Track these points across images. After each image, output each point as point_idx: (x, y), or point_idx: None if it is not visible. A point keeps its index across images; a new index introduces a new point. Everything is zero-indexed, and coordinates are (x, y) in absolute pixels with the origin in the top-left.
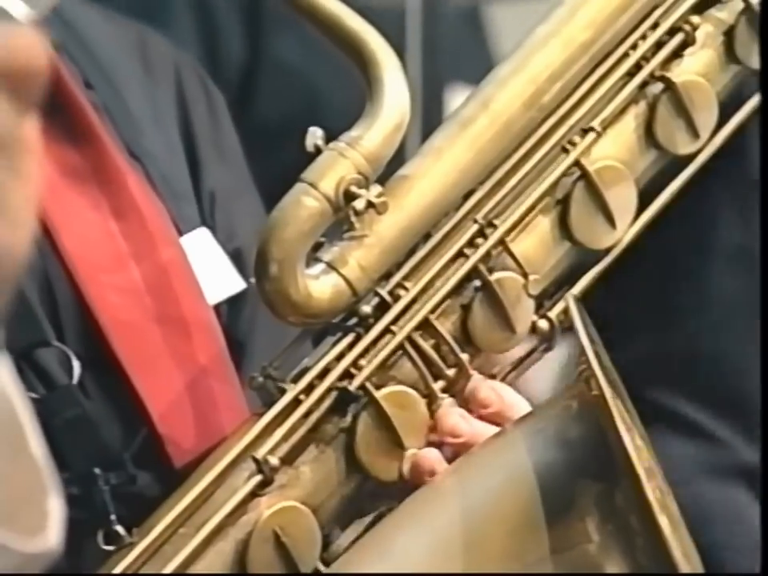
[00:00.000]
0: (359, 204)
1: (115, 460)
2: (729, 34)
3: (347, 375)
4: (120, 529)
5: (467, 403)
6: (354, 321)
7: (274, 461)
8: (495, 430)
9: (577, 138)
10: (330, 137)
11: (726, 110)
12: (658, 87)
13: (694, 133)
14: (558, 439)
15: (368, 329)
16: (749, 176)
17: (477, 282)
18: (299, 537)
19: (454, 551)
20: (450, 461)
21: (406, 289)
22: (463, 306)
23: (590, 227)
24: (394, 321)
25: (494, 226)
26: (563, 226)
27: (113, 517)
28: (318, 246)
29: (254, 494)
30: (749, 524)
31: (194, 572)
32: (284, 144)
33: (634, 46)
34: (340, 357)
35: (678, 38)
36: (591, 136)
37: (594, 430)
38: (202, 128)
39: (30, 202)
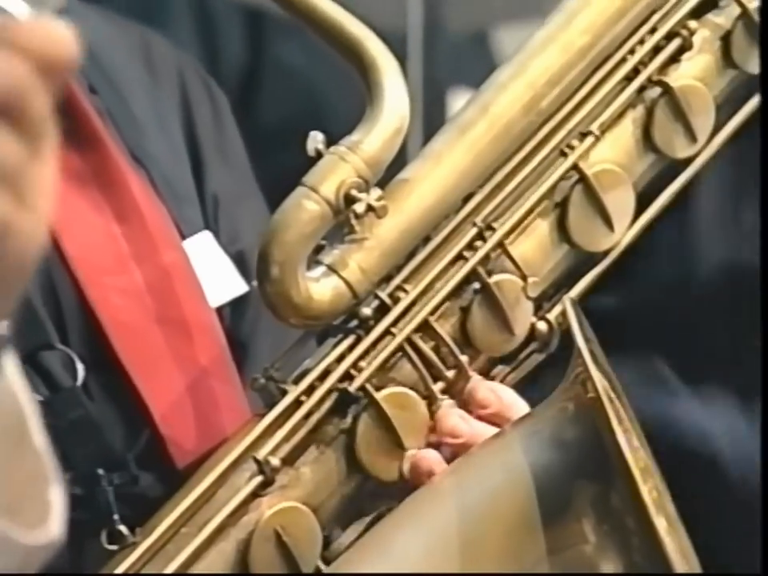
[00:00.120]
0: (359, 207)
1: (118, 461)
2: (726, 39)
3: (348, 377)
4: (123, 528)
5: (466, 404)
6: (354, 323)
7: (275, 461)
8: (494, 430)
9: (575, 142)
10: (332, 140)
11: (724, 114)
12: (655, 91)
13: (692, 137)
14: (555, 440)
15: (368, 331)
16: None
17: (476, 285)
18: (300, 536)
19: (452, 551)
20: (449, 461)
21: (405, 291)
22: (462, 308)
23: (589, 230)
24: (394, 323)
25: (493, 229)
26: (562, 229)
27: (116, 517)
28: (318, 249)
29: (255, 494)
30: None
31: (196, 571)
32: (285, 147)
33: (632, 51)
34: (340, 358)
35: (676, 43)
36: (589, 140)
37: (590, 431)
38: (206, 130)
39: (45, 186)
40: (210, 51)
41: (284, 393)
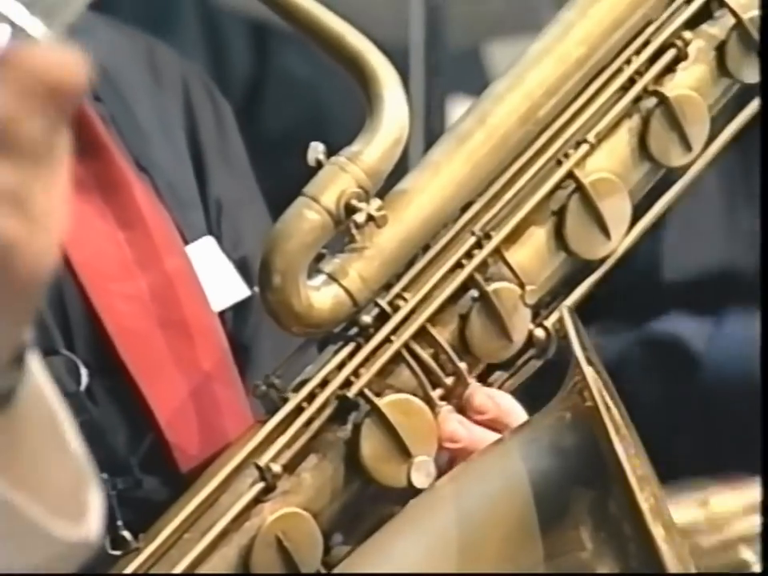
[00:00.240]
0: (359, 217)
1: (122, 465)
2: (720, 49)
3: (348, 384)
4: (127, 534)
5: (464, 410)
6: (354, 331)
7: (276, 468)
8: (493, 435)
9: (572, 151)
10: (334, 149)
11: (718, 123)
12: (651, 101)
13: (687, 145)
14: (553, 448)
15: (368, 338)
16: None
17: (474, 293)
18: (301, 541)
19: (452, 556)
20: (447, 466)
21: (405, 299)
22: (461, 316)
23: (585, 238)
24: (394, 330)
25: (491, 238)
26: (559, 237)
27: (119, 522)
28: (319, 258)
29: (257, 500)
30: None
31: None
32: (288, 156)
33: (628, 61)
34: (341, 366)
35: (671, 54)
36: (586, 149)
37: (588, 439)
38: (209, 137)
39: (56, 208)
40: (217, 61)
41: (285, 400)
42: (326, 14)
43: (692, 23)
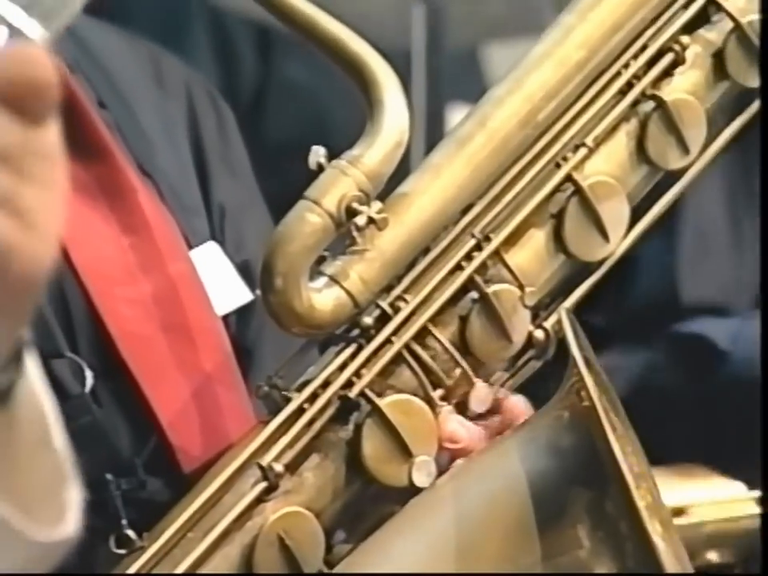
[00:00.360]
0: (360, 220)
1: (126, 466)
2: (718, 54)
3: (350, 384)
4: (131, 533)
5: (463, 410)
6: (355, 332)
7: (278, 468)
8: (492, 436)
9: (571, 154)
10: (335, 155)
11: (715, 127)
12: (649, 105)
13: (684, 149)
14: (551, 448)
15: (369, 339)
16: None
17: (474, 294)
18: (303, 540)
19: (451, 555)
20: (447, 466)
21: (406, 301)
22: (461, 317)
23: (584, 240)
24: (395, 332)
25: (491, 240)
26: (558, 240)
27: (124, 521)
28: (321, 260)
29: (259, 499)
30: None
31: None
32: (291, 160)
33: (626, 66)
34: (342, 367)
35: (669, 58)
36: (585, 152)
37: (585, 439)
38: (212, 143)
39: (50, 207)
40: (224, 69)
41: (287, 400)
42: (327, 20)
43: (690, 28)
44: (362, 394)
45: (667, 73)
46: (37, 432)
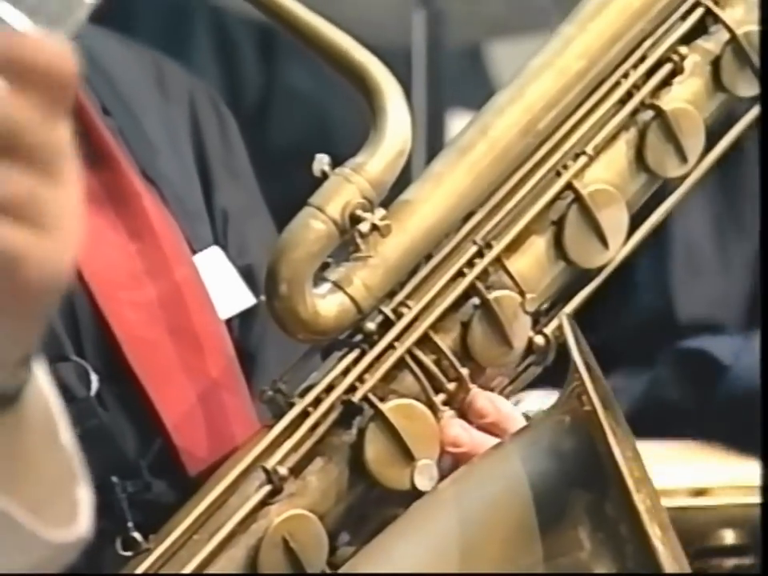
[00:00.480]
0: (364, 227)
1: (132, 469)
2: (715, 64)
3: (353, 389)
4: (137, 535)
5: (466, 415)
6: (359, 337)
7: (283, 471)
8: (494, 440)
9: (571, 163)
10: (338, 161)
11: (713, 136)
12: (648, 114)
13: (683, 157)
14: (552, 451)
15: (372, 345)
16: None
17: (476, 300)
18: (307, 543)
19: (453, 557)
20: (450, 470)
21: (408, 307)
22: (463, 323)
23: (584, 247)
24: (397, 337)
25: (492, 247)
26: (558, 247)
27: (130, 524)
28: (324, 267)
29: (264, 502)
30: None
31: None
32: (294, 167)
33: (626, 75)
34: (346, 371)
35: (667, 68)
36: (584, 160)
37: (586, 442)
38: (215, 149)
39: (68, 215)
40: (227, 75)
41: (291, 405)
42: (330, 29)
43: (688, 38)
44: (365, 398)
45: (666, 82)
46: (45, 434)
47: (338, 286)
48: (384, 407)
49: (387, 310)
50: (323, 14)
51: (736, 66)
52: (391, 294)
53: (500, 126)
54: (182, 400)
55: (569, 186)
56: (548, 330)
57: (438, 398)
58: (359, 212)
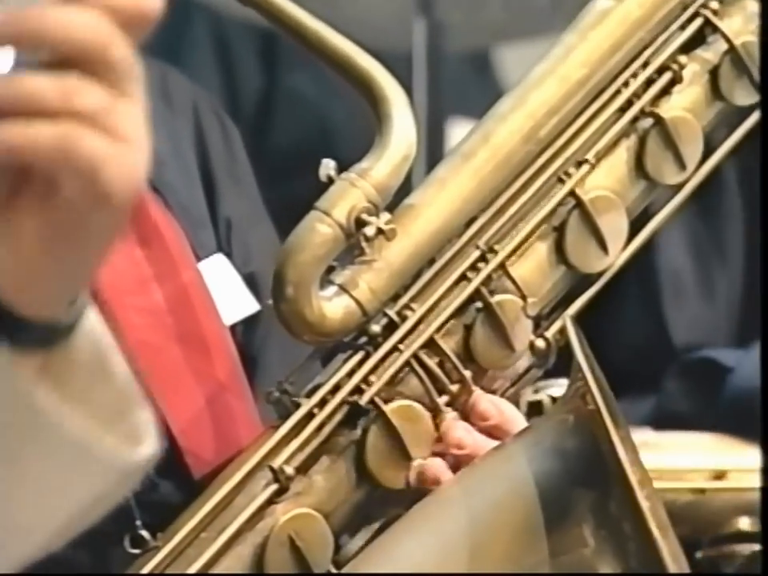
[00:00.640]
0: (369, 231)
1: None
2: (714, 73)
3: (358, 390)
4: (145, 533)
5: (468, 416)
6: (364, 339)
7: (289, 470)
8: (495, 443)
9: (572, 169)
10: (340, 165)
11: (711, 143)
12: (647, 122)
13: (681, 164)
14: (556, 451)
15: (377, 347)
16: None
17: (479, 304)
18: (313, 541)
19: (459, 555)
20: (452, 470)
21: (412, 310)
22: (466, 326)
23: (585, 252)
24: (402, 340)
25: (495, 252)
26: (559, 252)
27: (138, 522)
28: (330, 270)
29: (270, 501)
30: None
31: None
32: (297, 171)
33: (626, 84)
34: (351, 373)
35: (667, 77)
36: (585, 167)
37: (589, 441)
38: (218, 158)
39: (140, 131)
40: (228, 81)
41: (297, 406)
42: (334, 35)
43: (687, 48)
44: (370, 400)
45: (665, 91)
46: (97, 363)
47: (343, 288)
48: (386, 408)
49: (392, 312)
50: (324, 20)
51: (734, 76)
52: (396, 297)
53: (503, 133)
54: (189, 404)
55: (570, 192)
56: (549, 334)
57: (442, 400)
58: (365, 216)
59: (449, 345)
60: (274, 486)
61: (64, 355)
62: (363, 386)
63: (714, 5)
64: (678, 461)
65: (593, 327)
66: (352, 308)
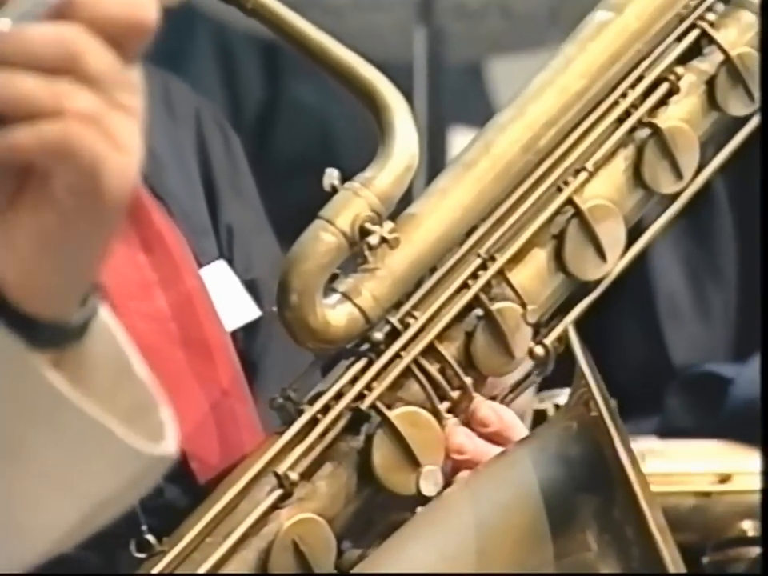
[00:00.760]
0: (373, 239)
1: None
2: (710, 83)
3: (361, 397)
4: (151, 538)
5: (469, 422)
6: (366, 346)
7: (293, 476)
8: (496, 448)
9: (571, 179)
10: (342, 174)
11: (708, 153)
12: (645, 132)
13: (678, 174)
14: (560, 457)
15: (379, 354)
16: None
17: (479, 311)
18: (316, 546)
19: (464, 560)
20: (452, 476)
21: (414, 317)
22: (467, 333)
23: (583, 260)
24: (404, 347)
25: (495, 260)
26: (558, 260)
27: (144, 527)
28: (334, 278)
29: (275, 506)
30: None
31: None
32: (299, 180)
33: (624, 95)
34: (354, 380)
35: (664, 87)
36: (584, 176)
37: (593, 448)
38: (220, 167)
39: (134, 133)
40: (231, 90)
41: (301, 412)
42: (337, 46)
43: (684, 59)
44: (372, 405)
45: (662, 101)
46: (116, 368)
47: (347, 296)
48: (391, 414)
49: (394, 320)
50: (327, 30)
51: (730, 86)
52: (398, 305)
53: (503, 143)
54: (193, 409)
55: (569, 201)
56: (548, 341)
57: (443, 406)
58: (368, 225)
59: (450, 351)
60: (279, 492)
61: (77, 357)
62: (366, 393)
63: (711, 17)
64: (682, 465)
65: (593, 351)
66: (355, 315)
